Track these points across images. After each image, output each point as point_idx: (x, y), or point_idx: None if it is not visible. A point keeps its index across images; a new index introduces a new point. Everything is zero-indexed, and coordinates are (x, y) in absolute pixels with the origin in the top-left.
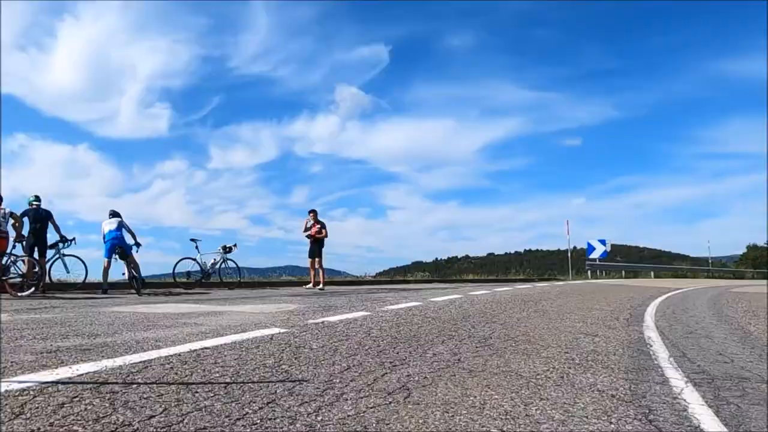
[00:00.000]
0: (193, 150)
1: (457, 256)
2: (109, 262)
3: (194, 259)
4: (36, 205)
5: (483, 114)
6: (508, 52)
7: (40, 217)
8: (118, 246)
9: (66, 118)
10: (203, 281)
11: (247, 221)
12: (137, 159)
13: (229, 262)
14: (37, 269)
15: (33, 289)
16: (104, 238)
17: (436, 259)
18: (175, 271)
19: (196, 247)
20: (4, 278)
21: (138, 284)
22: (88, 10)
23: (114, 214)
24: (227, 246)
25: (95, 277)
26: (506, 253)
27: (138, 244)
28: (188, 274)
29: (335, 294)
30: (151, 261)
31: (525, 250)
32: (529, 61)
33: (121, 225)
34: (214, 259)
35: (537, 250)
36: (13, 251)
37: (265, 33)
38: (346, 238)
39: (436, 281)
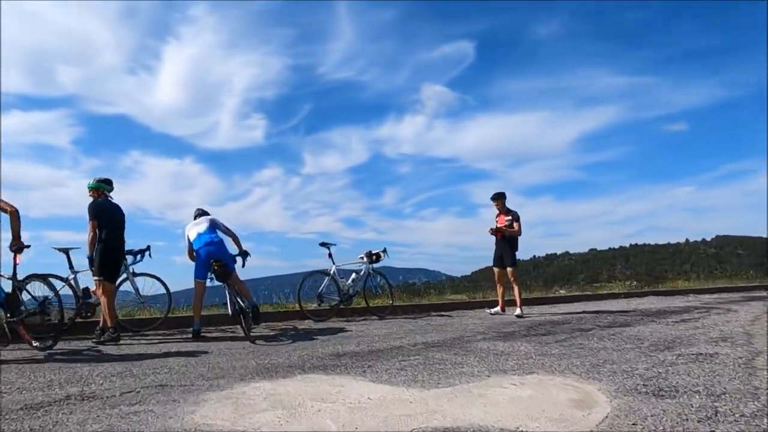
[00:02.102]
0: (288, 157)
1: (556, 253)
2: (203, 286)
3: (328, 273)
4: (106, 193)
5: (576, 104)
6: (598, 38)
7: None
8: (215, 259)
9: (172, 133)
10: (342, 306)
11: (341, 224)
12: (237, 168)
13: (377, 276)
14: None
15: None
16: (192, 247)
17: (534, 256)
18: (302, 290)
19: (330, 255)
20: (14, 319)
21: (247, 319)
22: (188, 30)
23: (202, 212)
24: (374, 252)
25: (181, 303)
26: (610, 249)
27: (245, 254)
28: (320, 297)
29: (560, 327)
30: (250, 265)
31: (631, 244)
32: (622, 46)
33: (216, 225)
34: (356, 274)
35: (644, 244)
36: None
37: (349, 39)
38: (438, 238)
39: (647, 292)
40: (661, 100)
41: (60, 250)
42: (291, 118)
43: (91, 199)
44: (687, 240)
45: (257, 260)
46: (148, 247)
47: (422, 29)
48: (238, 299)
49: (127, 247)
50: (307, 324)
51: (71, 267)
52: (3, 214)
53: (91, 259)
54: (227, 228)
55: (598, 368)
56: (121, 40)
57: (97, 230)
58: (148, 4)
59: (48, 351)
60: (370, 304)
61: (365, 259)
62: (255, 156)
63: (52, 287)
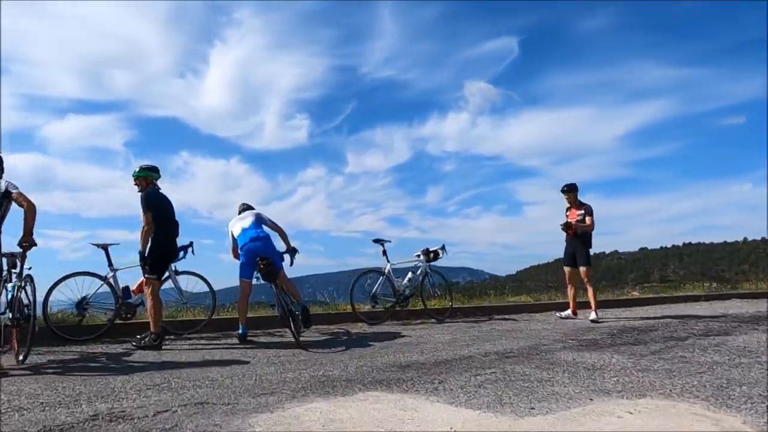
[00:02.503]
0: (331, 157)
1: (604, 252)
2: (249, 285)
3: (382, 272)
4: (155, 182)
5: (624, 99)
6: (648, 29)
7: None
8: (262, 257)
9: (219, 134)
10: (398, 307)
11: (384, 223)
12: (281, 168)
13: (434, 275)
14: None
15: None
16: (236, 244)
17: None
18: (353, 291)
19: (384, 253)
20: (13, 320)
21: (297, 323)
22: (234, 33)
23: (247, 207)
24: (432, 250)
25: (223, 302)
26: (662, 247)
27: (293, 251)
28: (374, 298)
29: (647, 334)
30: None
31: (684, 243)
32: (674, 37)
33: (261, 220)
34: (412, 273)
35: (699, 243)
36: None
37: (392, 38)
38: (482, 237)
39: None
40: (716, 93)
41: (99, 246)
42: (334, 118)
43: (137, 190)
44: (745, 238)
45: (301, 259)
46: (191, 244)
47: (465, 26)
48: (287, 300)
49: None
50: (361, 327)
51: (110, 264)
52: (20, 208)
53: (143, 255)
54: (274, 223)
55: (725, 391)
56: (170, 44)
57: (152, 223)
58: (195, 8)
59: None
60: (428, 306)
61: (422, 257)
62: (299, 156)
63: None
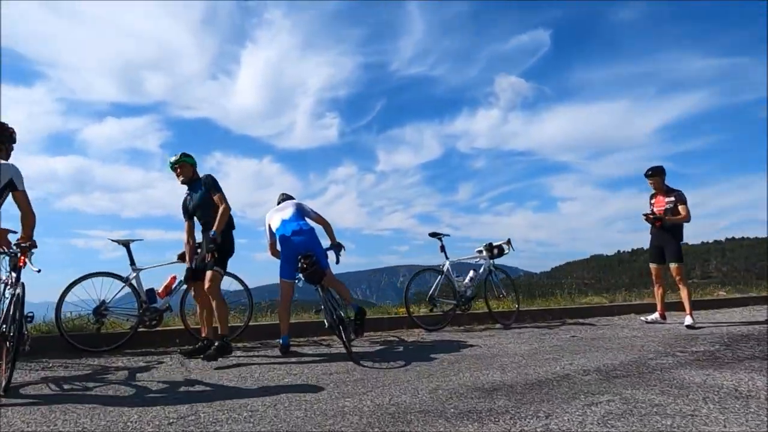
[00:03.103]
0: (362, 155)
1: (642, 248)
2: (291, 287)
3: (441, 271)
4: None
5: (660, 91)
6: (685, 19)
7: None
8: (304, 255)
9: (251, 134)
10: (459, 310)
11: (415, 220)
12: (312, 167)
13: (498, 273)
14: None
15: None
16: (274, 239)
17: (618, 251)
18: (408, 292)
19: (442, 248)
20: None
21: (348, 331)
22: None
23: (287, 197)
24: (496, 245)
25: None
26: (703, 243)
27: (339, 246)
28: (432, 300)
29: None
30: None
31: (727, 238)
32: (713, 25)
33: (303, 211)
34: (473, 271)
35: (743, 238)
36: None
37: (420, 35)
38: (515, 233)
39: None
40: (758, 82)
41: (119, 242)
42: (364, 116)
43: (181, 180)
44: None
45: (343, 256)
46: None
47: (495, 20)
48: (335, 304)
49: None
50: (418, 334)
51: (132, 263)
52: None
53: (213, 241)
54: (318, 214)
55: None
56: (202, 46)
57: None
58: (226, 10)
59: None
60: (492, 309)
61: (485, 254)
62: (330, 154)
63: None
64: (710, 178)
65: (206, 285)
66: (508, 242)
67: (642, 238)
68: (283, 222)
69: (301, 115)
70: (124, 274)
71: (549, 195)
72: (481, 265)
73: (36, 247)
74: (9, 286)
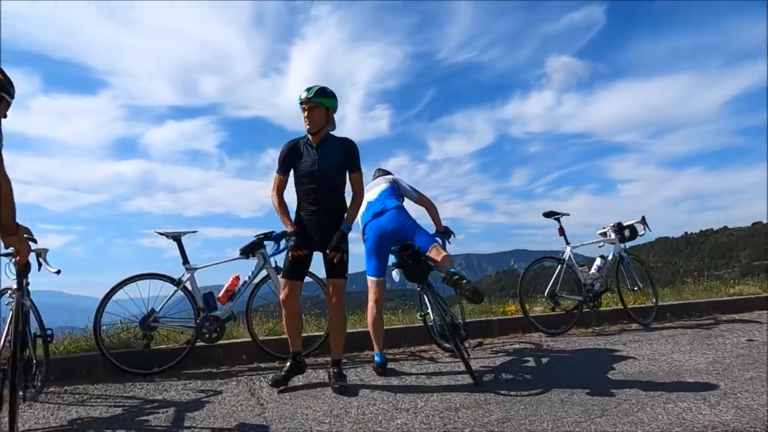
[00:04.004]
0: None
1: (712, 228)
2: (381, 288)
3: (561, 260)
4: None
5: (727, 61)
6: None
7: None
8: (403, 246)
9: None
10: (586, 308)
11: (470, 209)
12: (365, 159)
13: (631, 261)
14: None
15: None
16: (364, 220)
17: (686, 233)
18: (523, 286)
19: (561, 231)
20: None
21: (462, 341)
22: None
23: (383, 172)
24: (627, 225)
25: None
26: None
27: (447, 233)
28: (553, 296)
29: None
30: None
31: None
32: None
33: (397, 190)
34: (601, 259)
35: None
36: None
37: (468, 20)
38: (574, 218)
39: None
40: None
41: (168, 235)
42: (414, 106)
43: (309, 129)
44: None
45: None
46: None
47: (544, 0)
48: (444, 307)
49: (263, 230)
50: (537, 338)
51: (185, 261)
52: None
53: (344, 242)
54: (419, 193)
55: None
56: (252, 47)
57: None
58: (274, 9)
59: None
60: (628, 307)
61: (613, 236)
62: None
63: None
64: None
65: (333, 296)
66: (642, 220)
67: (712, 218)
68: (368, 204)
69: (352, 108)
70: (177, 275)
71: (607, 177)
72: (609, 251)
73: (34, 241)
74: (10, 296)
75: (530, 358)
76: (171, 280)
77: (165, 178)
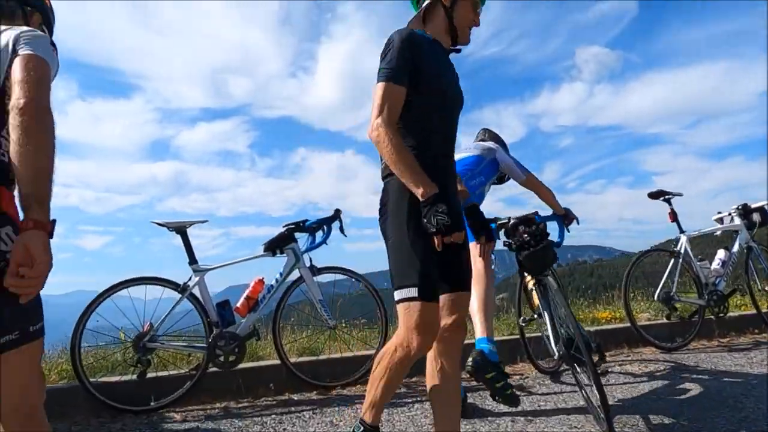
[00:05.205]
0: None
1: (755, 223)
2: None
3: (675, 252)
4: None
5: (765, 49)
6: None
7: None
8: (523, 219)
9: (331, 129)
10: (711, 314)
11: (502, 203)
12: None
13: (759, 248)
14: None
15: None
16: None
17: None
18: (628, 287)
19: (673, 216)
20: None
21: (584, 364)
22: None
23: (493, 135)
24: (755, 207)
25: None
26: None
27: (567, 218)
28: (668, 298)
29: None
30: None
31: None
32: None
33: (490, 161)
34: (725, 252)
35: None
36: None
37: (495, 13)
38: (608, 212)
39: None
40: None
41: (169, 227)
42: None
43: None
44: None
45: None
46: (338, 213)
47: None
48: (562, 314)
49: (292, 219)
50: (650, 354)
51: (193, 260)
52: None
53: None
54: (527, 171)
55: None
56: (280, 47)
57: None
58: (300, 9)
59: None
60: (763, 312)
61: (736, 221)
62: None
63: None
64: None
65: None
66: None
67: None
68: (486, 160)
69: None
70: (182, 280)
71: (642, 169)
72: (735, 238)
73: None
74: None
75: (661, 383)
76: (173, 285)
77: (198, 178)
